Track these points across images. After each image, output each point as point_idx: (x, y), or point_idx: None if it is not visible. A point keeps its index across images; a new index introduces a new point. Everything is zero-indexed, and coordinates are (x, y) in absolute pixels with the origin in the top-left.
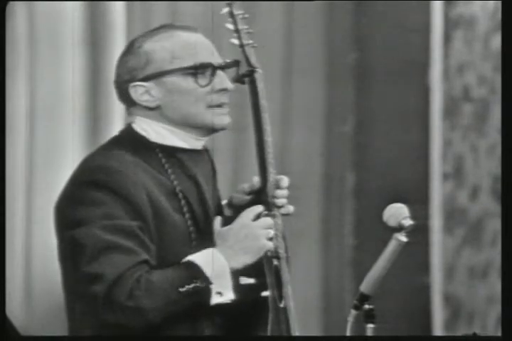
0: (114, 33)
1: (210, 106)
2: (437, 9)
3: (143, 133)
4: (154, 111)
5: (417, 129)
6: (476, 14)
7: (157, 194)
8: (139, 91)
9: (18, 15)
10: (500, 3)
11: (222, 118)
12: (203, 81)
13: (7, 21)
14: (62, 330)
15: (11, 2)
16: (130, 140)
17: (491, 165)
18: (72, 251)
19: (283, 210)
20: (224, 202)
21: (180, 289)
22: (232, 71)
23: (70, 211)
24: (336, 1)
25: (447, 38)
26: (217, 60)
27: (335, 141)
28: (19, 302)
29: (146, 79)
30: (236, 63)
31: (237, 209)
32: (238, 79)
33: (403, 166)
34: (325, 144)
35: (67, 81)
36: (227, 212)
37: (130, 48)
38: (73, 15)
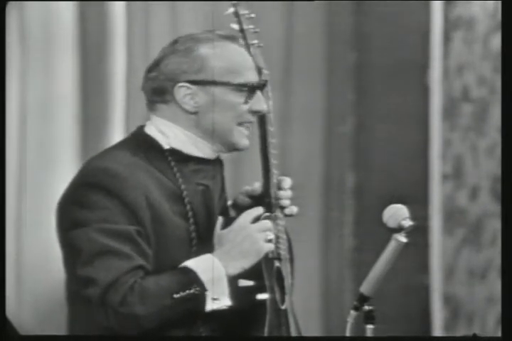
0: (112, 34)
1: (240, 125)
2: (437, 9)
3: (156, 135)
4: (187, 115)
5: (416, 129)
6: (476, 15)
7: (158, 197)
8: (184, 93)
9: (11, 17)
10: (499, 3)
11: (246, 139)
12: (246, 98)
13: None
14: (54, 330)
15: (11, 2)
16: (139, 142)
17: (491, 166)
18: (69, 253)
19: (286, 211)
20: (229, 202)
21: (175, 295)
22: None
23: (69, 212)
24: (336, 0)
25: (447, 39)
26: (256, 77)
27: (334, 141)
28: (10, 303)
29: (195, 83)
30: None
31: (242, 210)
32: None
33: (403, 166)
34: (324, 144)
35: (59, 83)
36: (232, 212)
37: (179, 48)
38: (67, 16)
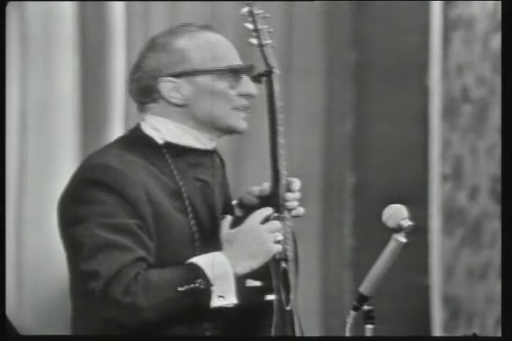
0: (112, 34)
1: (236, 109)
2: (437, 10)
3: (151, 132)
4: (178, 108)
5: (416, 130)
6: (476, 15)
7: (158, 193)
8: (169, 87)
9: (11, 16)
10: (499, 3)
11: (243, 122)
12: (234, 83)
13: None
14: (55, 329)
15: (11, 2)
16: (136, 139)
17: (490, 166)
18: (71, 249)
19: (293, 212)
20: (234, 201)
21: (179, 288)
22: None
23: (70, 208)
24: (336, 1)
25: (446, 39)
26: (240, 62)
27: (334, 141)
28: (11, 302)
29: (178, 76)
30: (251, 68)
31: (248, 209)
32: (255, 79)
33: (402, 167)
34: (324, 144)
35: (60, 82)
36: (238, 211)
37: (157, 45)
38: (68, 15)
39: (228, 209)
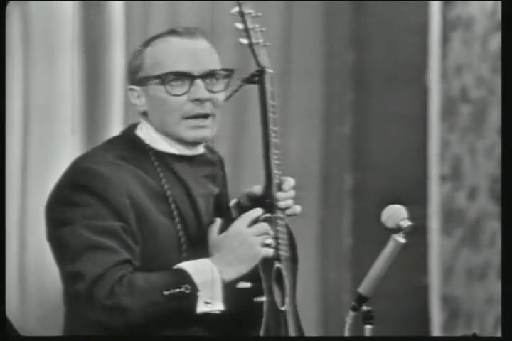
0: (112, 34)
1: (185, 118)
2: (435, 10)
3: (141, 135)
4: (143, 115)
5: (415, 130)
6: (474, 15)
7: (142, 197)
8: (132, 95)
9: (12, 16)
10: (498, 3)
11: (196, 130)
12: (177, 90)
13: (6, 21)
14: (56, 330)
15: (12, 2)
16: (126, 141)
17: (489, 166)
18: (58, 251)
19: (289, 211)
20: (232, 203)
21: (165, 292)
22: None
23: (56, 211)
24: (335, 1)
25: (445, 39)
26: (212, 67)
27: (333, 141)
28: (13, 303)
29: (136, 83)
30: (230, 71)
31: (244, 211)
32: (248, 80)
33: (401, 167)
34: (323, 145)
35: (62, 82)
36: (235, 213)
37: (136, 50)
38: (69, 15)
39: (224, 211)
